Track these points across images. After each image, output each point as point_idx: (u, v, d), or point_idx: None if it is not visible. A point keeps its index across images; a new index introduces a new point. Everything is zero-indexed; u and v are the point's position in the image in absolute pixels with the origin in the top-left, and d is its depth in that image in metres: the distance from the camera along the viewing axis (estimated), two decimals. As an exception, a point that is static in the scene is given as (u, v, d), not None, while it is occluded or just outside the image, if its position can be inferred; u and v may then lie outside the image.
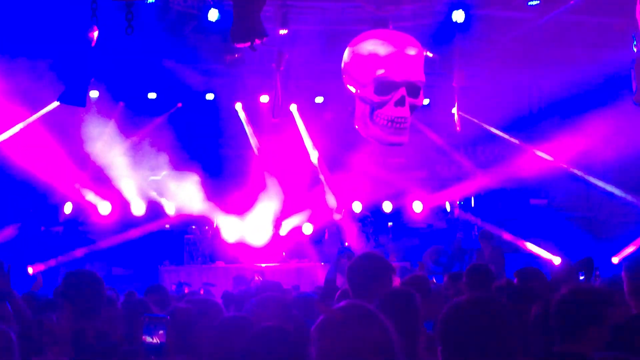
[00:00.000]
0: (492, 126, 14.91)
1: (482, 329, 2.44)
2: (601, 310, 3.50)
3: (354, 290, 4.41)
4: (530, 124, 14.68)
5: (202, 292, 9.79)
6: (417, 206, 15.38)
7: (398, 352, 2.46)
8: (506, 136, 14.91)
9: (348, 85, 8.33)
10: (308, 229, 15.04)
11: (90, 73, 6.89)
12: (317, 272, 13.34)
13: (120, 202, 14.45)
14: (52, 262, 13.27)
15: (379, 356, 2.39)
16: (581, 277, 7.21)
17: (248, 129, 15.65)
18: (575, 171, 14.18)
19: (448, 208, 15.19)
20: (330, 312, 2.50)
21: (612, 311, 3.51)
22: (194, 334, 3.69)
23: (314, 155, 15.61)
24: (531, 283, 5.52)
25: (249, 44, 6.91)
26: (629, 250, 12.87)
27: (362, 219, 14.81)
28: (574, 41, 11.67)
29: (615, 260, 12.63)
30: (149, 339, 3.33)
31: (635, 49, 7.99)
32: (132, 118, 14.62)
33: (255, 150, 15.62)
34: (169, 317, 3.48)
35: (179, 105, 15.23)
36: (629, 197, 13.79)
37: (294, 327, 3.50)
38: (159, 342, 3.33)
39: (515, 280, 5.77)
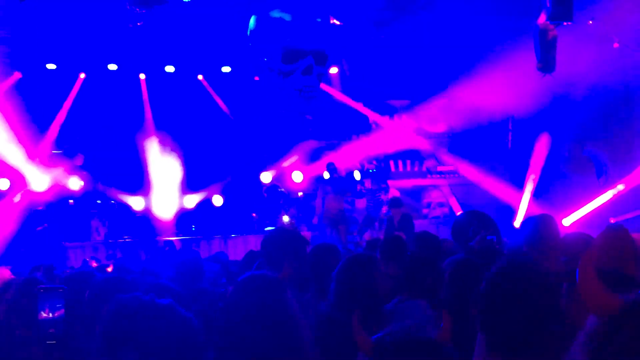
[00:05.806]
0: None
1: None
2: None
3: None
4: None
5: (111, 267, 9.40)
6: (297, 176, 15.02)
7: (296, 323, 2.70)
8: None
9: (255, 53, 8.19)
10: (218, 201, 14.74)
11: None
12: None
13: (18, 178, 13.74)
14: None
15: (276, 326, 2.63)
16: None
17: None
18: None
19: (357, 177, 15.01)
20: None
21: None
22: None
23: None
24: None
25: None
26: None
27: (269, 189, 14.56)
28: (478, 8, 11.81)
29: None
30: (44, 314, 2.94)
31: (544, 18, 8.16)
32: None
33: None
34: (66, 287, 3.13)
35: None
36: None
37: None
38: (56, 316, 2.99)
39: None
